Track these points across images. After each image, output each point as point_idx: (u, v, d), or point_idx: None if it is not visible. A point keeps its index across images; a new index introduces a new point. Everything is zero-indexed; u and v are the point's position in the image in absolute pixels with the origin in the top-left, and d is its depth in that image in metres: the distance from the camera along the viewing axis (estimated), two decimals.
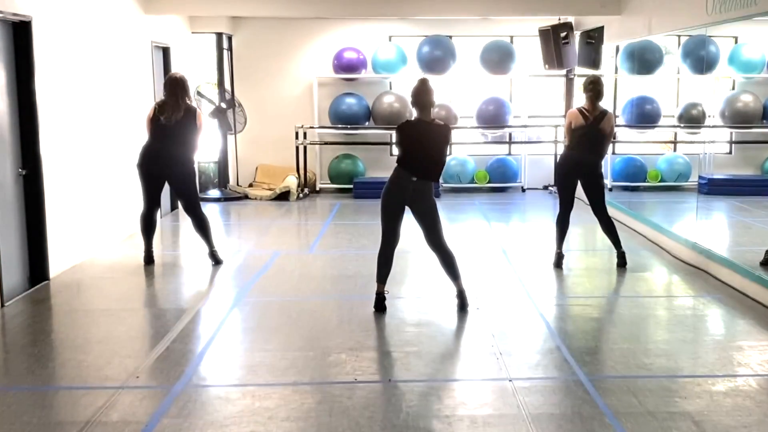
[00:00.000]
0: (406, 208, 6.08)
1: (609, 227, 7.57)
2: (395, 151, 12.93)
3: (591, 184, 7.53)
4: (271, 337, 5.64)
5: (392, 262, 6.15)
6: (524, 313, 6.20)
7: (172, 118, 7.40)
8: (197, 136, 7.60)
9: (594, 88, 7.36)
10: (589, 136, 7.37)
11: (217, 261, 7.78)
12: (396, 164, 6.05)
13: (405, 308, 6.28)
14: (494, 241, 9.01)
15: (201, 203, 7.96)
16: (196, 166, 7.86)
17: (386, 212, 6.07)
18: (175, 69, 11.08)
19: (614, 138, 12.14)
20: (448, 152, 6.20)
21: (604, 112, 7.42)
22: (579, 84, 12.58)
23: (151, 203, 7.75)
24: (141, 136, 9.71)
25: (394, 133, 6.12)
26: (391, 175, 6.06)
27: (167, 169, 7.57)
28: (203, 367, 5.00)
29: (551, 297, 6.78)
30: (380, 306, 6.12)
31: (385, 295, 6.16)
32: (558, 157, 12.41)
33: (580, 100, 12.46)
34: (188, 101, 7.54)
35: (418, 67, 12.58)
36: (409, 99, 6.18)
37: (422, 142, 5.97)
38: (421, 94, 5.99)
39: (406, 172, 5.96)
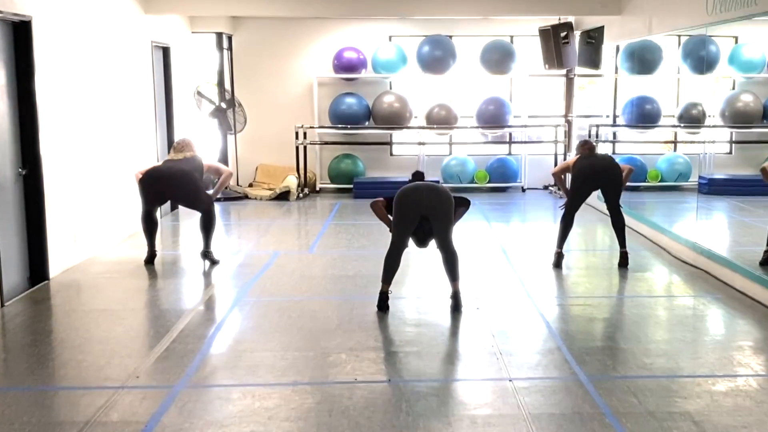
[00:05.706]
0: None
1: (619, 225, 7.62)
2: (396, 151, 13.11)
3: (609, 189, 7.64)
4: (271, 337, 5.64)
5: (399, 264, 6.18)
6: (524, 313, 6.20)
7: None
8: (204, 168, 7.90)
9: (587, 146, 7.81)
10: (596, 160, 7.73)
11: (212, 261, 7.77)
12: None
13: (405, 308, 6.28)
14: (494, 241, 9.01)
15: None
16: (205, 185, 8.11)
17: (402, 223, 6.16)
18: (176, 69, 11.12)
19: (615, 139, 12.20)
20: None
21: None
22: (579, 84, 12.69)
23: (150, 206, 7.77)
24: (141, 136, 9.76)
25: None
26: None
27: (173, 189, 7.74)
28: (203, 367, 5.00)
29: (551, 297, 6.78)
30: (383, 305, 6.13)
31: (389, 294, 6.18)
32: (558, 157, 12.53)
33: (579, 101, 12.72)
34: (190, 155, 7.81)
35: (418, 67, 12.59)
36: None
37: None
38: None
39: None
